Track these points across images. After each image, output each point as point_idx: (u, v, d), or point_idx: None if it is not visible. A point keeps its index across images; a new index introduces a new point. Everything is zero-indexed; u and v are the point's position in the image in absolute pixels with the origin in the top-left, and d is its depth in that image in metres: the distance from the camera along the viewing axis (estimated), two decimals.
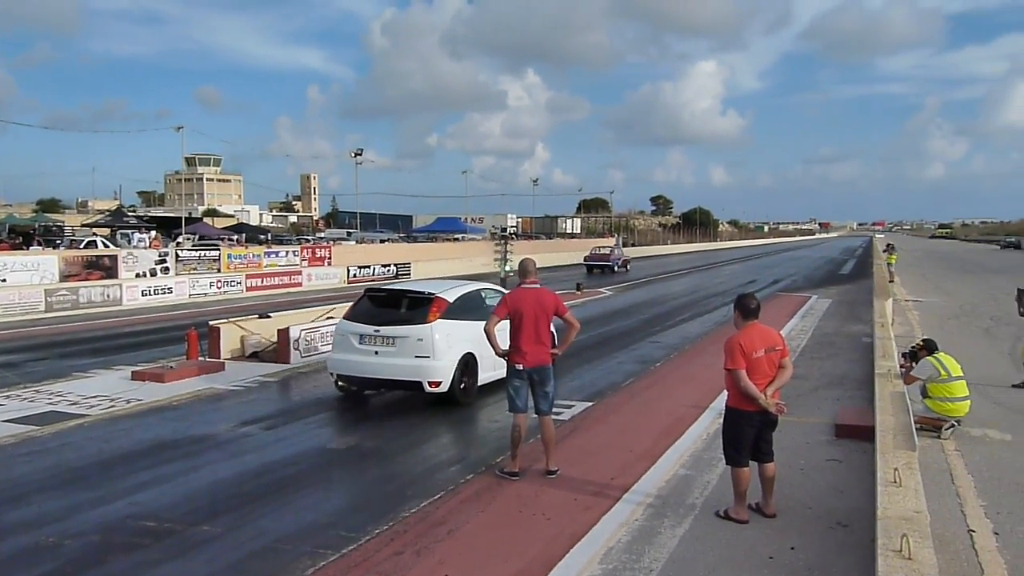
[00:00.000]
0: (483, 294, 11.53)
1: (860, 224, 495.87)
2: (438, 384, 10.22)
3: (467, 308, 10.84)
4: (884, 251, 41.88)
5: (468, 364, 10.60)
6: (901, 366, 10.81)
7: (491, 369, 10.79)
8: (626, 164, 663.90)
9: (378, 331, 10.35)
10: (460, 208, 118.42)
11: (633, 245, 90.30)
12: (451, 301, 10.69)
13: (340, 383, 10.94)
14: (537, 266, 8.07)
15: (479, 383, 10.83)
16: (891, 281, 34.26)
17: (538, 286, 7.81)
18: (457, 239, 68.54)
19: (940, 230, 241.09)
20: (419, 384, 10.21)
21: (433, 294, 10.66)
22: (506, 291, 11.24)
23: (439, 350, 10.18)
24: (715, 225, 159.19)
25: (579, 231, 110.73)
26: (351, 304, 11.33)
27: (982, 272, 44.99)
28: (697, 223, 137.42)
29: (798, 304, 25.12)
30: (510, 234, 38.87)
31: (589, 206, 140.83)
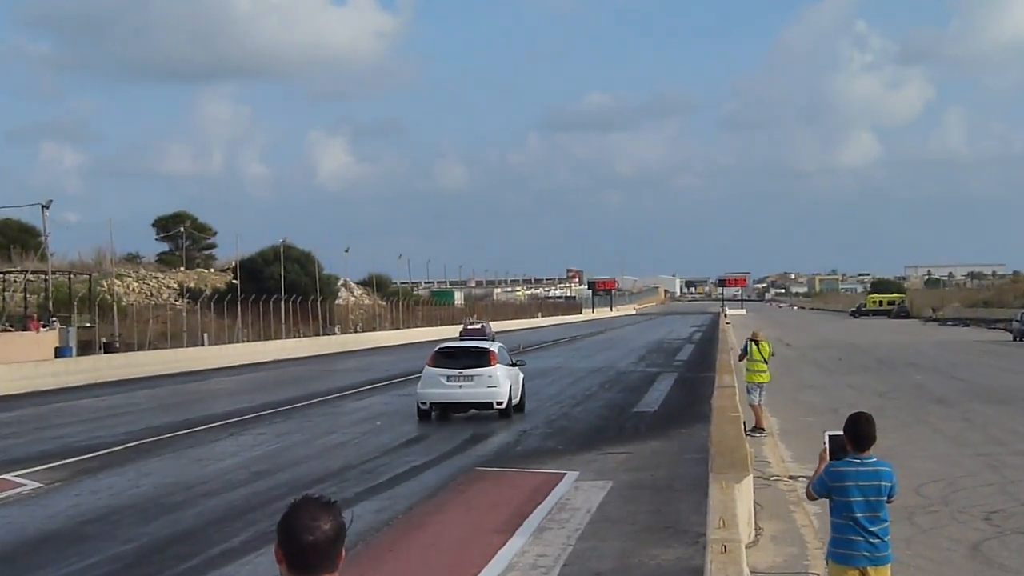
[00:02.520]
0: (500, 349, 46.42)
1: (690, 284, 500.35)
2: (502, 404, 42.66)
3: (501, 357, 45.14)
4: (743, 352, 39.78)
5: (509, 391, 43.99)
6: None
7: (515, 397, 44.92)
8: (81, 128, 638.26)
9: (462, 372, 42.80)
10: None
11: (109, 347, 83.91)
12: (497, 352, 44.63)
13: (424, 407, 42.39)
14: None
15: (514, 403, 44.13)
16: (755, 428, 33.15)
17: None
18: None
19: (877, 296, 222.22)
20: (490, 404, 42.68)
21: (487, 348, 45.33)
22: (492, 345, 51.43)
23: (501, 382, 43.10)
24: (332, 290, 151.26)
25: None
26: (430, 356, 43.53)
27: (972, 401, 45.29)
28: (281, 286, 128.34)
29: (529, 498, 24.73)
30: None
31: None
